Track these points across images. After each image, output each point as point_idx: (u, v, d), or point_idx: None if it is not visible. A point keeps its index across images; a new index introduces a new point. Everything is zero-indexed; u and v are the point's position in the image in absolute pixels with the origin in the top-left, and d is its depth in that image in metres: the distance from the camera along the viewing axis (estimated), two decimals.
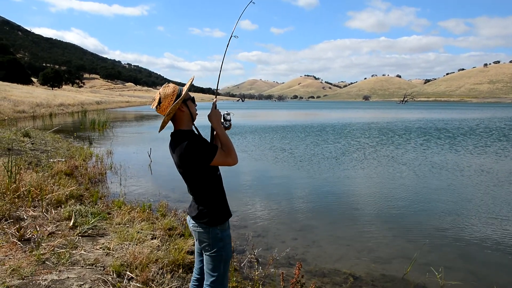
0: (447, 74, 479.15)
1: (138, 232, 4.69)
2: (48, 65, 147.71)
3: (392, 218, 6.67)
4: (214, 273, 2.45)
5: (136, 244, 4.27)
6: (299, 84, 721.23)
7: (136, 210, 5.72)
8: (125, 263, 3.79)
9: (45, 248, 3.99)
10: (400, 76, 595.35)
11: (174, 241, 4.57)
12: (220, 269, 2.45)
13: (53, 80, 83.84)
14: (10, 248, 3.95)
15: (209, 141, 2.48)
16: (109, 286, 3.36)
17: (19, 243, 4.08)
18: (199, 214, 2.42)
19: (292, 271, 3.96)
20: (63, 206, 5.57)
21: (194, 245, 4.49)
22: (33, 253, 3.84)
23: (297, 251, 5.01)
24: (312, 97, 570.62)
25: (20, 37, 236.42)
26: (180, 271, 3.93)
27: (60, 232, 4.50)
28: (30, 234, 4.35)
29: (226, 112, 2.53)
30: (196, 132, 2.45)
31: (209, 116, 2.43)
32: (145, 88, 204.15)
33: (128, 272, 3.66)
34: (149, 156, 11.52)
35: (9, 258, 3.73)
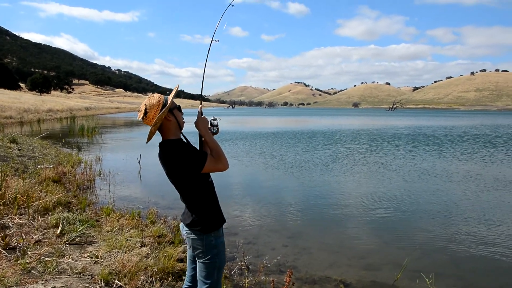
0: (435, 82, 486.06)
1: (127, 239, 4.63)
2: (36, 70, 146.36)
3: (382, 224, 6.69)
4: (207, 280, 2.42)
5: (125, 252, 4.21)
6: (289, 91, 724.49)
7: (125, 217, 5.65)
8: (114, 272, 3.73)
9: (31, 257, 3.91)
10: (389, 84, 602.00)
11: (164, 249, 4.52)
12: (213, 276, 2.43)
13: (41, 86, 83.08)
14: None
15: (198, 148, 2.47)
16: None
17: (4, 251, 3.99)
18: (192, 221, 2.41)
19: (283, 278, 3.94)
20: (50, 213, 5.47)
21: (184, 252, 4.46)
22: (19, 262, 3.76)
23: (288, 258, 4.99)
24: (302, 104, 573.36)
25: (8, 42, 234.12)
26: (170, 279, 3.88)
27: (47, 240, 4.42)
28: (15, 242, 4.26)
29: (212, 118, 2.50)
30: (184, 140, 2.43)
31: (196, 123, 2.41)
32: (135, 94, 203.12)
33: (116, 281, 3.60)
34: (139, 162, 11.42)
35: None
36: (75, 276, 3.62)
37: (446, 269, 4.80)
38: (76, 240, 4.57)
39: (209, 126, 2.46)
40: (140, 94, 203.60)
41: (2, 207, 5.38)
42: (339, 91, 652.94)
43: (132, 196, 8.07)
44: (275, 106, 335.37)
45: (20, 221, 4.99)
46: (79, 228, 4.82)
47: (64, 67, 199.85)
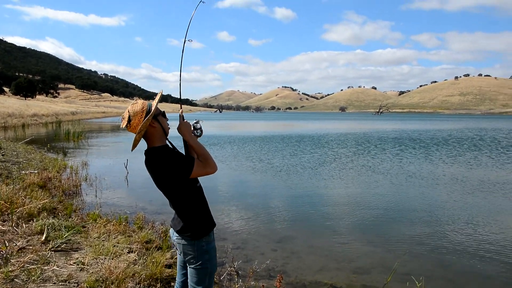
0: (421, 86, 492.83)
1: (114, 245, 4.55)
2: (21, 74, 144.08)
3: (371, 227, 6.72)
4: (198, 286, 2.39)
5: (112, 259, 4.13)
6: (276, 95, 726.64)
7: (112, 223, 5.56)
8: (101, 279, 3.65)
9: (14, 265, 3.80)
10: (375, 88, 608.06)
11: (152, 255, 4.45)
12: (205, 282, 2.39)
13: (26, 90, 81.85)
14: None
15: (184, 154, 2.43)
16: None
17: None
18: (183, 227, 2.37)
19: (273, 283, 3.91)
20: (35, 219, 5.35)
21: (172, 258, 4.40)
22: (1, 270, 3.65)
23: (277, 262, 4.96)
24: (290, 108, 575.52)
25: None
26: (158, 285, 3.81)
27: (31, 247, 4.31)
28: None
29: (195, 121, 2.47)
30: (170, 146, 2.39)
31: (178, 129, 2.36)
32: (122, 98, 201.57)
33: None
34: (126, 167, 11.29)
35: None
36: (60, 284, 3.53)
37: (436, 272, 4.83)
38: (62, 246, 4.47)
39: (192, 129, 2.42)
40: (126, 99, 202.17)
41: None
42: (326, 96, 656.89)
43: (119, 201, 7.96)
44: (263, 111, 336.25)
45: (3, 228, 4.86)
46: (64, 235, 4.72)
47: (50, 71, 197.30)
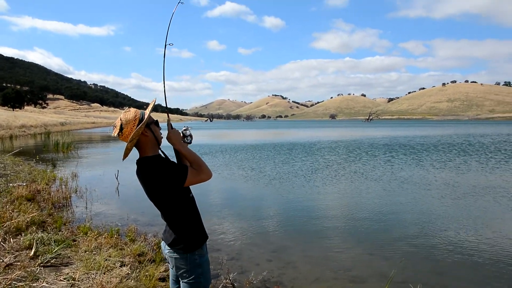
0: (409, 93, 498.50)
1: (106, 259, 4.44)
2: (9, 85, 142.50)
3: (365, 235, 6.68)
4: None
5: (104, 273, 4.02)
6: (267, 103, 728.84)
7: (104, 236, 5.43)
8: None
9: (1, 283, 3.67)
10: (365, 95, 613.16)
11: (145, 268, 4.35)
12: None
13: (14, 101, 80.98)
14: None
15: (176, 163, 2.37)
16: None
17: None
18: (174, 240, 2.30)
19: None
20: (23, 234, 5.22)
21: (166, 271, 4.30)
22: None
23: (273, 273, 4.88)
24: (280, 116, 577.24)
25: None
26: None
27: (19, 263, 4.18)
28: None
29: (184, 128, 2.39)
30: (162, 155, 2.33)
31: (167, 138, 2.30)
32: (112, 108, 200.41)
33: None
34: (117, 178, 11.13)
35: None
36: None
37: (433, 279, 4.79)
38: (51, 262, 4.35)
39: (182, 137, 2.35)
40: (116, 109, 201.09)
41: None
42: (316, 103, 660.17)
43: (110, 213, 7.82)
44: (253, 119, 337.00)
45: None
46: (54, 249, 4.60)
47: (38, 82, 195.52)
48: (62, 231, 5.65)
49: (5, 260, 4.21)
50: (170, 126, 2.35)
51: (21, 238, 4.98)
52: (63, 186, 9.44)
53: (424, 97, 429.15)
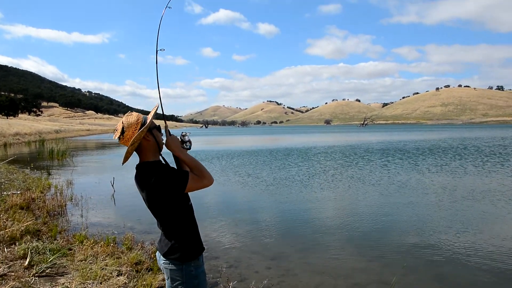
0: (403, 97, 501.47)
1: (103, 268, 4.35)
2: (2, 93, 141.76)
3: (364, 241, 6.63)
4: None
5: (101, 283, 3.94)
6: (261, 109, 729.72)
7: (100, 244, 5.34)
8: None
9: None
10: (359, 101, 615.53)
11: (142, 277, 4.27)
12: None
13: (8, 109, 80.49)
14: None
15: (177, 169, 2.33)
16: None
17: None
18: (170, 249, 2.22)
19: None
20: (17, 243, 5.12)
21: (163, 280, 4.21)
22: None
23: (272, 281, 4.81)
24: (275, 122, 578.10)
25: None
26: None
27: (13, 274, 4.09)
28: None
29: (182, 134, 2.33)
30: (163, 161, 2.28)
31: (166, 144, 2.24)
32: (107, 116, 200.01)
33: None
34: (112, 185, 11.03)
35: None
36: None
37: (435, 286, 4.74)
38: (47, 271, 4.26)
39: (181, 143, 2.29)
40: (111, 116, 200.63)
41: None
42: (311, 109, 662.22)
43: (107, 221, 7.71)
44: (248, 125, 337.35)
45: None
46: (49, 258, 4.51)
47: (32, 90, 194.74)
48: (57, 240, 5.55)
49: None
50: (168, 133, 2.30)
51: (16, 248, 4.89)
52: (58, 194, 9.33)
53: (418, 101, 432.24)
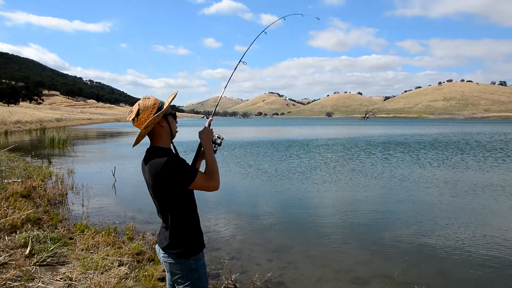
0: (405, 91, 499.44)
1: (104, 258, 4.32)
2: (3, 81, 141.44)
3: (366, 234, 6.59)
4: None
5: (102, 273, 3.91)
6: (263, 101, 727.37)
7: (101, 234, 5.31)
8: None
9: None
10: (361, 94, 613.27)
11: (144, 267, 4.24)
12: None
13: (9, 97, 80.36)
14: None
15: (193, 158, 2.33)
16: None
17: None
18: (170, 243, 2.16)
19: None
20: (18, 231, 5.09)
21: (165, 271, 4.19)
22: None
23: (274, 273, 4.78)
24: (276, 113, 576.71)
25: None
26: None
27: (14, 262, 4.05)
28: None
29: (218, 135, 2.37)
30: (173, 151, 2.23)
31: (201, 132, 2.27)
32: (108, 105, 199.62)
33: None
34: (113, 175, 11.00)
35: None
36: None
37: (438, 281, 4.70)
38: (47, 261, 4.22)
39: (213, 140, 2.33)
40: (112, 105, 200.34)
41: None
42: (312, 101, 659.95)
43: (108, 211, 7.69)
44: (250, 116, 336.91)
45: None
46: (50, 247, 4.47)
47: (33, 78, 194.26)
48: (58, 229, 5.52)
49: None
50: (208, 125, 2.35)
51: (16, 236, 4.85)
52: (59, 183, 9.29)
53: (420, 95, 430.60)
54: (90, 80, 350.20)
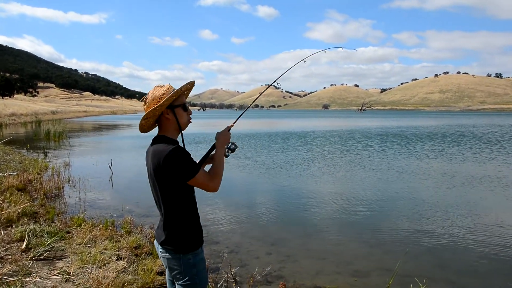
0: (402, 83, 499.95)
1: (102, 252, 4.28)
2: None
3: (365, 226, 6.58)
4: None
5: (100, 267, 3.86)
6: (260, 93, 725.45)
7: (98, 228, 5.25)
8: None
9: None
10: (358, 86, 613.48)
11: (142, 261, 4.20)
12: None
13: (3, 89, 79.61)
14: None
15: (202, 157, 2.36)
16: None
17: None
18: (168, 238, 2.10)
19: None
20: (14, 225, 5.03)
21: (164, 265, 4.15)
22: None
23: (273, 267, 4.75)
24: (273, 106, 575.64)
25: None
26: None
27: (10, 257, 4.00)
28: None
29: (234, 142, 2.41)
30: (181, 143, 2.17)
31: (218, 133, 2.32)
32: (104, 97, 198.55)
33: None
34: (110, 168, 10.91)
35: None
36: None
37: (438, 273, 4.69)
38: (44, 255, 4.17)
39: (227, 145, 2.36)
40: (108, 98, 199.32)
41: None
42: (309, 93, 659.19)
43: (105, 204, 7.63)
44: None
45: None
46: (47, 241, 4.42)
47: (28, 70, 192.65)
48: (55, 223, 5.47)
49: None
50: (228, 129, 2.39)
51: (12, 230, 4.80)
52: (56, 176, 9.21)
53: (417, 88, 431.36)
54: (85, 72, 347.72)
